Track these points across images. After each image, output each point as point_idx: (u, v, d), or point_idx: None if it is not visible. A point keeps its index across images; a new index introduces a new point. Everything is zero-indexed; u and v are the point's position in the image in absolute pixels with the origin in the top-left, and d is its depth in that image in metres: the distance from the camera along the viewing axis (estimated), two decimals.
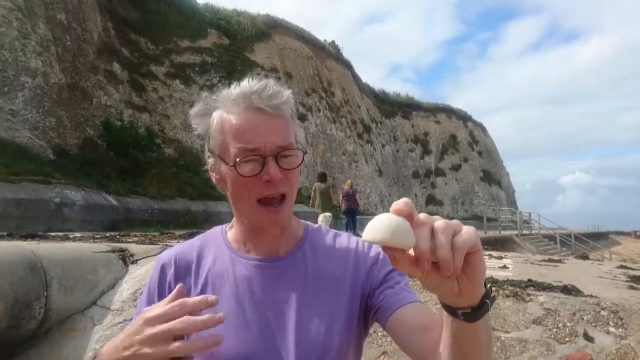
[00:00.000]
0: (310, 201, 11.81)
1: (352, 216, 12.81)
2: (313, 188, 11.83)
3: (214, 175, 0.97)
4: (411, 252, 0.59)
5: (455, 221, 0.61)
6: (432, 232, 0.59)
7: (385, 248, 0.59)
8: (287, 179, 0.91)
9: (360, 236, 0.61)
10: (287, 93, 0.94)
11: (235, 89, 0.92)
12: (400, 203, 0.60)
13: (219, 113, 0.93)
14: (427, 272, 0.59)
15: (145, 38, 20.19)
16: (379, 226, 0.58)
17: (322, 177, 11.91)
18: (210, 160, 0.97)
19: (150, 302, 0.98)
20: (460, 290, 0.62)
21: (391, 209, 0.60)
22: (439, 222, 0.59)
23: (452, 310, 0.67)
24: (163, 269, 1.01)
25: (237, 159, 0.89)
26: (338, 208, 12.65)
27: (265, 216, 0.91)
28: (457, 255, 0.58)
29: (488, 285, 0.67)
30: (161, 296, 0.98)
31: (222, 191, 0.99)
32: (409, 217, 0.59)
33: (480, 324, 0.68)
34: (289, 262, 0.98)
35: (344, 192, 12.89)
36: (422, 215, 0.60)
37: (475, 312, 0.66)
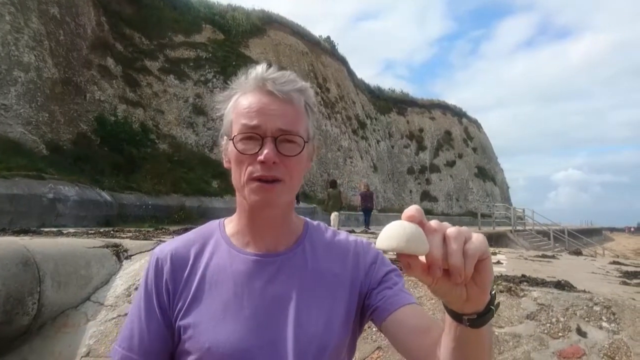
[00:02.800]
0: (325, 204, 14.72)
1: (368, 214, 15.42)
2: (327, 193, 14.68)
3: (224, 158, 0.97)
4: (422, 259, 0.60)
5: (465, 228, 0.61)
6: (444, 239, 0.59)
7: (400, 255, 0.59)
8: (284, 165, 0.89)
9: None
10: (304, 84, 0.94)
11: (253, 73, 0.93)
12: (412, 210, 0.60)
13: (236, 96, 0.94)
14: (438, 278, 0.60)
15: (139, 33, 20.05)
16: (394, 233, 0.58)
17: (333, 184, 14.88)
18: (223, 142, 0.97)
19: (148, 298, 0.97)
20: (467, 297, 0.63)
21: (403, 216, 0.60)
22: (451, 230, 0.60)
23: (457, 316, 0.68)
24: (159, 265, 0.99)
25: (237, 134, 0.90)
26: (344, 207, 15.64)
27: (259, 193, 0.89)
28: (468, 263, 0.58)
29: (493, 292, 0.67)
30: (158, 292, 0.97)
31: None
32: (420, 224, 0.60)
33: (484, 330, 0.68)
34: (288, 258, 0.98)
35: (361, 193, 15.77)
36: (434, 222, 0.61)
37: (481, 318, 0.66)
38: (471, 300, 0.63)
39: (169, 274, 0.97)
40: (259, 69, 0.93)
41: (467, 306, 0.65)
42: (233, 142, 0.91)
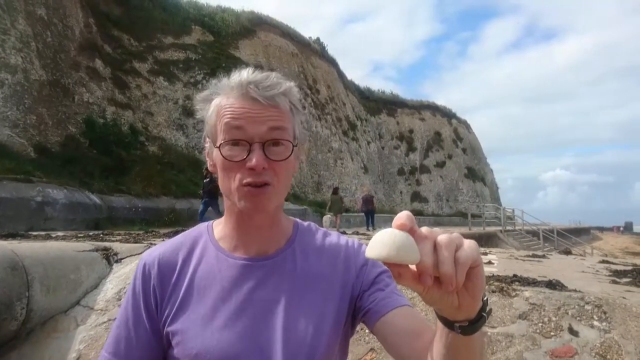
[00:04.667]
0: (327, 208, 16.64)
1: (370, 215, 16.96)
2: (329, 199, 16.68)
3: (209, 161, 0.96)
4: (412, 267, 0.59)
5: (456, 235, 0.60)
6: (435, 247, 0.58)
7: (390, 264, 0.58)
8: (272, 170, 0.88)
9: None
10: (287, 85, 0.93)
11: (235, 76, 0.91)
12: (403, 217, 0.59)
13: (218, 99, 0.92)
14: (429, 286, 0.59)
15: (128, 34, 19.94)
16: (384, 242, 0.57)
17: (335, 191, 16.60)
18: (207, 146, 0.95)
19: (136, 304, 0.96)
20: (459, 304, 0.62)
21: (393, 223, 0.59)
22: (442, 237, 0.59)
23: (449, 323, 0.67)
24: (146, 270, 0.97)
25: (223, 142, 0.88)
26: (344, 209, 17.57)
27: (248, 199, 0.88)
28: (459, 271, 0.57)
29: (485, 299, 0.66)
30: (146, 298, 0.96)
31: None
32: (411, 231, 0.58)
33: (476, 337, 0.67)
34: (277, 261, 0.96)
35: (363, 196, 17.68)
36: (425, 229, 0.60)
37: (472, 325, 0.65)
38: (463, 308, 0.62)
39: (156, 279, 0.96)
40: (243, 73, 0.91)
41: (460, 313, 0.64)
42: (219, 149, 0.89)
